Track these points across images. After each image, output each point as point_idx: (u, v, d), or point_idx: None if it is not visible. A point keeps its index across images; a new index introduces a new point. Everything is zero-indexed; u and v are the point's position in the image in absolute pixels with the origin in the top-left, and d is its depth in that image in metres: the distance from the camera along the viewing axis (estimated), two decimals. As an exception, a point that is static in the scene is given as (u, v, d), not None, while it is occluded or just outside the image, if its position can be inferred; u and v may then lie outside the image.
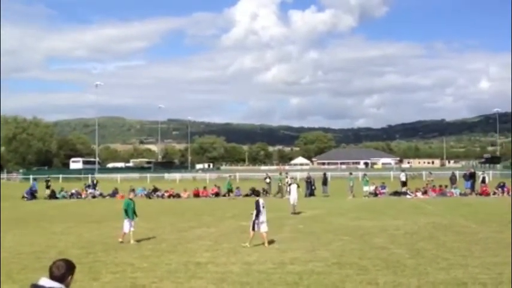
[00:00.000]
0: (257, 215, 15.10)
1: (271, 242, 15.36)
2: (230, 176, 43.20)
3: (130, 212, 16.19)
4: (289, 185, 27.64)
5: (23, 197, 38.37)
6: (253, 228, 15.04)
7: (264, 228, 15.11)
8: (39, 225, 21.71)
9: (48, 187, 40.58)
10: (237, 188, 40.83)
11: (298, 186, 27.19)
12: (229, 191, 39.31)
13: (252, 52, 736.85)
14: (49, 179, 43.19)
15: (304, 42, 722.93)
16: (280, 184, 38.06)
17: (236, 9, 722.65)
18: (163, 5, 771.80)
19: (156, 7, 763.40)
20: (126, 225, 16.10)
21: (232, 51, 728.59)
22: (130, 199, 16.78)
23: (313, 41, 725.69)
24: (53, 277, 4.31)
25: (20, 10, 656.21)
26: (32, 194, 39.03)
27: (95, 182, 45.03)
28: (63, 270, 4.35)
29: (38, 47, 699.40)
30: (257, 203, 15.31)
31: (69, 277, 4.39)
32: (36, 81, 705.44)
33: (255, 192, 17.76)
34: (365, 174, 40.54)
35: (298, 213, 24.29)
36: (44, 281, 4.28)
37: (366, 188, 36.60)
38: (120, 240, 15.97)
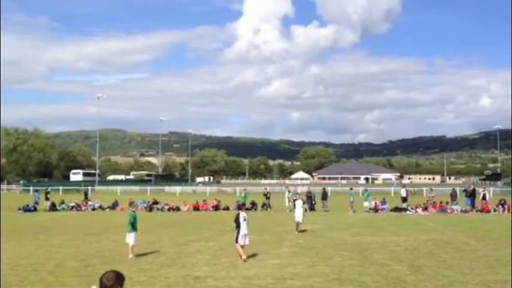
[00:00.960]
0: (238, 228, 15.16)
1: (252, 255, 15.39)
2: (245, 189, 42.28)
3: (136, 224, 16.07)
4: (294, 200, 26.26)
5: (19, 209, 38.12)
6: (237, 241, 15.12)
7: (243, 241, 15.11)
8: (38, 237, 21.64)
9: (47, 199, 40.53)
10: (237, 202, 40.73)
11: (304, 203, 25.51)
12: (244, 204, 37.63)
13: (254, 66, 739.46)
14: (49, 190, 43.05)
15: (305, 57, 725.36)
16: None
17: (239, 24, 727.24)
18: (167, 19, 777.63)
19: (159, 20, 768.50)
20: (132, 239, 15.74)
21: (234, 65, 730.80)
22: (134, 211, 16.68)
23: (314, 56, 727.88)
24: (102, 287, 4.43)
25: (23, 21, 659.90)
26: (29, 208, 38.69)
27: (87, 192, 44.92)
28: (112, 282, 4.47)
29: (40, 59, 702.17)
30: (237, 216, 15.47)
31: None
32: (38, 93, 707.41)
33: (239, 207, 17.56)
34: (366, 190, 40.49)
35: (304, 231, 22.85)
36: None
37: (366, 204, 36.50)
38: (131, 256, 15.47)
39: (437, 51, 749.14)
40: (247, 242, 15.23)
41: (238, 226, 15.17)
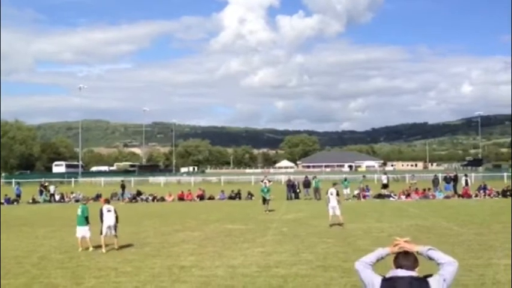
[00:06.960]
0: (102, 221, 15.53)
1: (126, 246, 15.78)
2: (269, 180, 34.84)
3: (88, 218, 16.05)
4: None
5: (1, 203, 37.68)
6: (101, 233, 15.44)
7: (105, 232, 15.44)
8: (22, 229, 21.46)
9: (48, 191, 40.77)
10: (222, 191, 40.90)
11: (338, 194, 21.37)
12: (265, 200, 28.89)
13: (240, 56, 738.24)
14: (45, 183, 43.52)
15: (291, 47, 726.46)
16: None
17: (224, 14, 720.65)
18: (152, 9, 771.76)
19: (144, 11, 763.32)
20: (87, 232, 15.79)
21: (219, 55, 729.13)
22: (85, 204, 16.99)
23: (300, 45, 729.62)
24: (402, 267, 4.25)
25: (8, 14, 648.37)
26: (9, 200, 38.39)
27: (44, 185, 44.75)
28: (411, 261, 4.32)
29: (25, 51, 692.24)
30: (101, 209, 15.77)
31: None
32: (21, 85, 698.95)
33: (105, 200, 17.04)
34: (345, 178, 40.64)
35: (341, 224, 19.93)
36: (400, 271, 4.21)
37: (346, 191, 36.16)
38: (80, 247, 15.53)
39: (420, 39, 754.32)
40: (113, 233, 15.55)
41: (102, 219, 15.52)
